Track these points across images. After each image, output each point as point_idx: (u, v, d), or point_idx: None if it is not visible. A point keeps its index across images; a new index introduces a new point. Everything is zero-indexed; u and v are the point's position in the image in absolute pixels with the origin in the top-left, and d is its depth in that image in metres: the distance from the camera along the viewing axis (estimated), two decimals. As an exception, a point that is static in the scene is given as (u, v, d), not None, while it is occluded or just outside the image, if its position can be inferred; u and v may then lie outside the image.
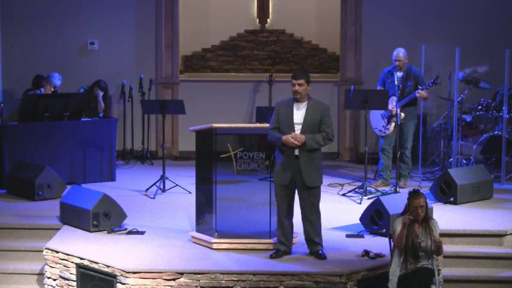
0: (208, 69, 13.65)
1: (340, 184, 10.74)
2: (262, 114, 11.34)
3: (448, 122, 11.34)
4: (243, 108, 12.91)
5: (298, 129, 7.50)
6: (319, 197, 7.67)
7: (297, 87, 7.48)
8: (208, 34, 13.65)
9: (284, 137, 7.47)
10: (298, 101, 7.54)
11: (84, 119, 11.01)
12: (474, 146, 11.30)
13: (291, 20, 13.59)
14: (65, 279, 7.83)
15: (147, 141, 12.68)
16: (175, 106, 10.68)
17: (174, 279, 7.33)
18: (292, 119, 7.51)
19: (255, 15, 13.64)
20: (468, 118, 11.44)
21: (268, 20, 13.64)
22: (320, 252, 7.65)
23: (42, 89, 11.18)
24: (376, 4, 12.69)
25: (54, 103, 10.61)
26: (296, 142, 7.43)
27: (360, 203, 9.67)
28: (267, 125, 7.99)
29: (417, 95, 10.34)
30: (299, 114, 7.51)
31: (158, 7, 12.75)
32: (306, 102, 7.53)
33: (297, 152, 7.49)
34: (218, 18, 13.62)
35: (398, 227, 7.04)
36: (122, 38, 12.83)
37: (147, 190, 10.31)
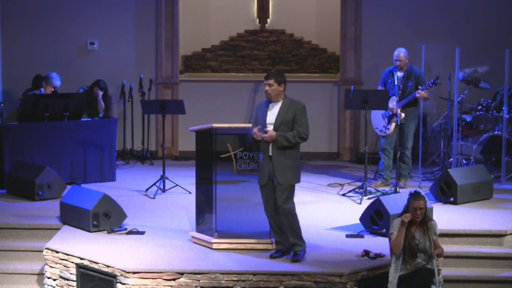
0: (208, 69, 13.65)
1: (340, 184, 10.74)
2: (262, 114, 11.32)
3: (448, 122, 11.34)
4: (243, 108, 12.91)
5: (270, 129, 7.51)
6: (292, 196, 7.54)
7: (266, 88, 7.54)
8: (208, 34, 13.65)
9: (253, 130, 7.54)
10: (272, 101, 7.57)
11: (84, 119, 11.01)
12: (474, 146, 11.30)
13: (291, 20, 13.59)
14: (65, 279, 7.83)
15: (147, 141, 12.68)
16: (175, 106, 10.69)
17: (174, 279, 7.33)
18: (266, 119, 7.54)
19: (255, 15, 13.64)
20: (468, 118, 11.44)
21: (268, 20, 13.64)
22: (297, 251, 7.59)
23: (42, 89, 11.18)
24: (376, 4, 12.69)
25: (54, 103, 10.61)
26: (262, 134, 7.44)
27: (360, 203, 9.67)
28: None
29: (417, 95, 10.34)
30: (272, 114, 7.55)
31: (158, 7, 12.76)
32: (280, 102, 7.55)
33: (271, 152, 7.50)
34: (218, 18, 13.62)
35: (395, 230, 7.03)
36: (121, 38, 12.84)
37: (147, 190, 10.31)
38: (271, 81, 7.51)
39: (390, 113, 10.38)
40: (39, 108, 10.50)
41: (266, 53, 13.64)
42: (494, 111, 11.25)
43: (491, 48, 12.36)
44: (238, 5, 13.61)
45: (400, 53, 10.48)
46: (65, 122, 10.66)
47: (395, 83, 10.19)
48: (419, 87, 10.35)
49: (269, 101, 7.58)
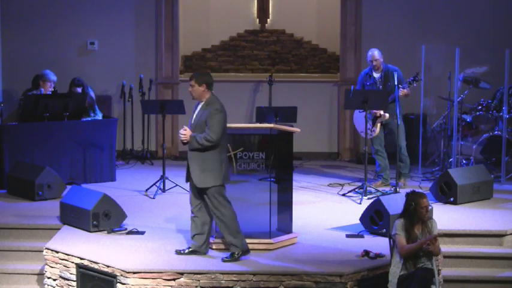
0: (208, 69, 13.63)
1: (340, 184, 10.74)
2: (262, 114, 11.34)
3: (448, 122, 11.34)
4: (243, 108, 12.91)
5: (192, 129, 7.61)
6: (218, 198, 7.54)
7: (189, 88, 7.67)
8: (208, 34, 13.64)
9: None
10: (199, 101, 7.69)
11: (84, 119, 11.00)
12: (474, 146, 11.30)
13: (291, 20, 13.59)
14: (65, 279, 7.84)
15: (147, 141, 12.67)
16: (175, 106, 10.68)
17: (174, 279, 7.33)
18: (192, 120, 7.68)
19: (255, 15, 13.64)
20: (468, 118, 11.44)
21: (268, 20, 13.63)
22: (230, 254, 7.60)
23: (42, 89, 11.18)
24: (376, 4, 12.69)
25: (54, 103, 10.61)
26: (180, 135, 7.55)
27: (360, 203, 9.66)
28: (267, 125, 8.03)
29: (400, 93, 10.26)
30: (194, 114, 7.66)
31: (158, 7, 12.75)
32: (202, 103, 7.63)
33: (188, 152, 7.62)
34: (218, 18, 13.61)
35: (400, 231, 7.04)
36: (122, 38, 12.83)
37: (147, 190, 10.30)
38: (192, 82, 7.64)
39: (373, 115, 10.38)
40: (39, 108, 10.50)
41: (266, 53, 13.63)
42: (494, 111, 11.25)
43: (491, 48, 12.35)
44: (238, 5, 13.60)
45: (374, 52, 10.46)
46: (65, 122, 10.65)
47: (377, 84, 10.16)
48: (400, 86, 10.29)
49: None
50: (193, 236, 7.72)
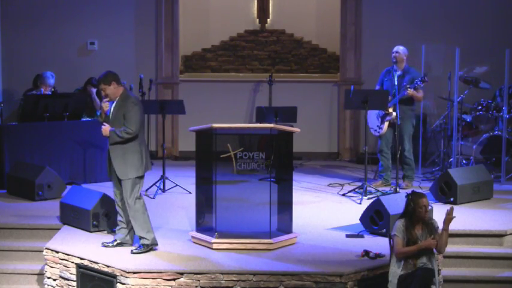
0: (208, 69, 13.65)
1: (340, 184, 10.74)
2: (262, 114, 11.35)
3: (448, 122, 11.34)
4: (243, 108, 12.91)
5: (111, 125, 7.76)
6: (133, 191, 7.72)
7: (103, 94, 7.80)
8: (208, 34, 13.66)
9: None
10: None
11: (84, 119, 11.00)
12: (474, 146, 11.30)
13: (291, 20, 13.60)
14: (65, 279, 7.84)
15: (147, 141, 12.65)
16: (175, 106, 10.68)
17: (174, 279, 7.33)
18: (110, 116, 7.82)
19: (255, 15, 13.65)
20: (468, 118, 11.44)
21: (268, 20, 13.65)
22: (141, 246, 7.77)
23: (42, 89, 11.19)
24: (376, 4, 12.70)
25: (54, 103, 10.61)
26: (102, 131, 7.75)
27: (360, 203, 9.66)
28: (267, 125, 8.03)
29: (406, 93, 10.25)
30: (111, 110, 7.80)
31: (158, 7, 12.76)
32: (116, 100, 7.77)
33: (109, 146, 7.79)
34: (218, 18, 13.62)
35: (398, 233, 7.04)
36: (122, 38, 12.84)
37: (147, 190, 10.29)
38: (102, 86, 7.75)
39: (383, 112, 10.37)
40: (39, 108, 10.50)
41: (266, 53, 13.64)
42: (494, 111, 11.25)
43: (491, 48, 12.36)
44: (238, 5, 13.61)
45: (399, 47, 10.44)
46: (65, 122, 10.66)
47: (395, 83, 10.14)
48: (408, 86, 10.27)
49: None
50: (119, 229, 7.94)
